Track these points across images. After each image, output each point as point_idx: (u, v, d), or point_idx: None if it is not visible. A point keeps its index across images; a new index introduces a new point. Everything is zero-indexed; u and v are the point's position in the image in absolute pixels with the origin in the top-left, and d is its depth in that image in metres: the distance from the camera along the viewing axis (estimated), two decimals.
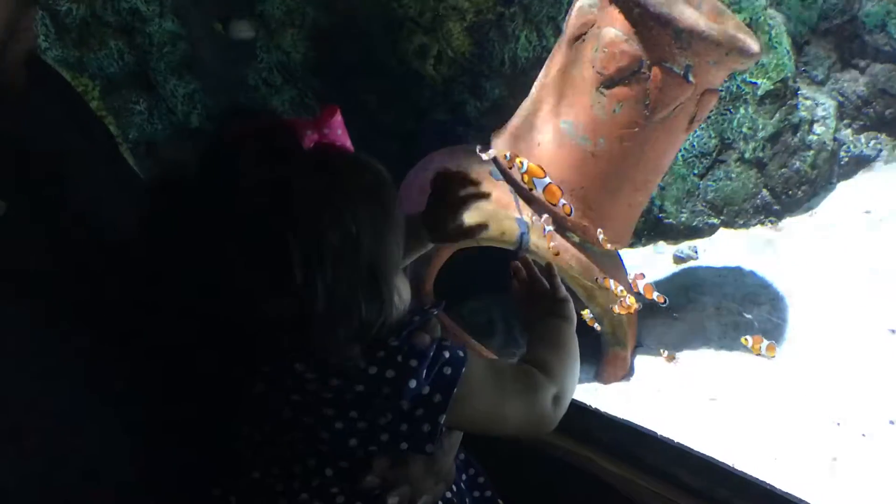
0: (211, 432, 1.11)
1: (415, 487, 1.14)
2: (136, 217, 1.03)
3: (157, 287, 1.03)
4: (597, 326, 2.85)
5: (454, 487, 1.23)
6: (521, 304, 1.38)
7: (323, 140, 1.07)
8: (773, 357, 2.61)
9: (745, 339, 2.63)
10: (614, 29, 2.66)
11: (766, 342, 2.60)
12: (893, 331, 2.79)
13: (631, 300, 2.71)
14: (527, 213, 2.90)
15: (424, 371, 1.05)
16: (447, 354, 1.08)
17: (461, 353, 1.10)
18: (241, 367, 1.05)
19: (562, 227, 2.87)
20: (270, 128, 1.03)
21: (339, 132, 1.09)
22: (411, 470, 1.13)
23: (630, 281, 2.81)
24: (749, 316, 3.02)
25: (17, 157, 1.03)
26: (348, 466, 1.08)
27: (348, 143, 1.11)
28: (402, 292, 1.12)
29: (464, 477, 1.29)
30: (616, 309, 2.75)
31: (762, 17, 3.40)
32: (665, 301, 2.63)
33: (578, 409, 1.78)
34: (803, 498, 1.41)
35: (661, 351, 2.93)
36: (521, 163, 2.66)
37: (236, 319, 1.01)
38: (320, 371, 1.03)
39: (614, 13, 2.65)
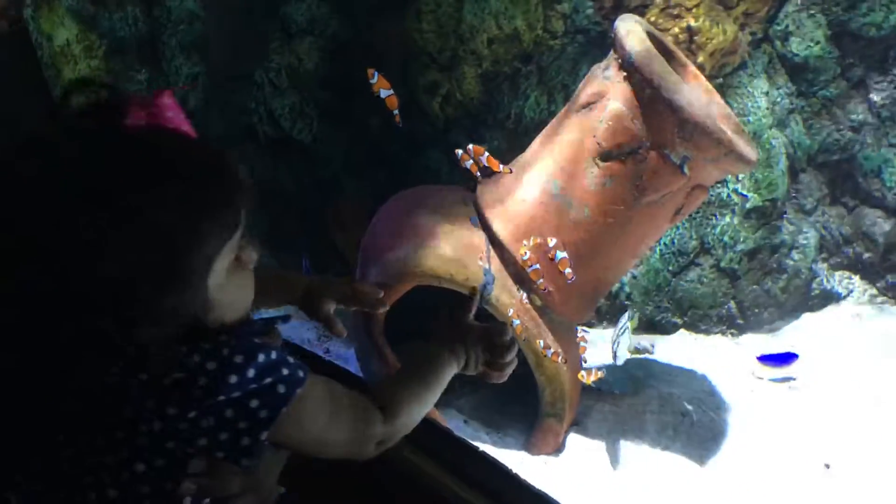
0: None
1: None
2: None
3: None
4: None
5: None
6: (446, 321, 1.42)
7: (152, 120, 1.06)
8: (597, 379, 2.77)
9: (581, 375, 2.78)
10: (622, 104, 2.67)
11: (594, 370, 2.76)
12: (828, 466, 2.76)
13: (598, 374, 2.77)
14: (495, 266, 2.87)
15: (252, 372, 1.04)
16: (285, 371, 1.08)
17: (300, 374, 1.10)
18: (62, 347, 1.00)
19: (526, 289, 2.84)
20: (98, 105, 1.03)
21: (169, 114, 1.07)
22: (228, 485, 1.10)
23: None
24: (690, 407, 2.98)
25: None
26: (164, 465, 1.04)
27: (185, 127, 1.10)
28: (232, 290, 1.10)
29: None
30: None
31: (766, 135, 3.46)
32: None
33: (500, 471, 1.74)
34: None
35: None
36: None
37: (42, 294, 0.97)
38: (141, 355, 1.00)
39: (626, 89, 2.66)
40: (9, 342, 0.98)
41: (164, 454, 1.03)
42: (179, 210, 0.99)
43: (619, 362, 2.79)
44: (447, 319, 1.42)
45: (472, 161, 2.66)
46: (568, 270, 2.63)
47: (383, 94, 2.49)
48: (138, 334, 0.98)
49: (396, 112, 2.49)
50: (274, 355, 1.07)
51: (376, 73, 2.47)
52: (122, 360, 0.99)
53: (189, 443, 1.03)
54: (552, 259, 2.66)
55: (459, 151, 2.69)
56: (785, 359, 3.22)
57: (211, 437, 1.03)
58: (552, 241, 2.66)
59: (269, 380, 1.05)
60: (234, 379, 1.02)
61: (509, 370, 1.42)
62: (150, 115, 1.03)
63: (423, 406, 1.29)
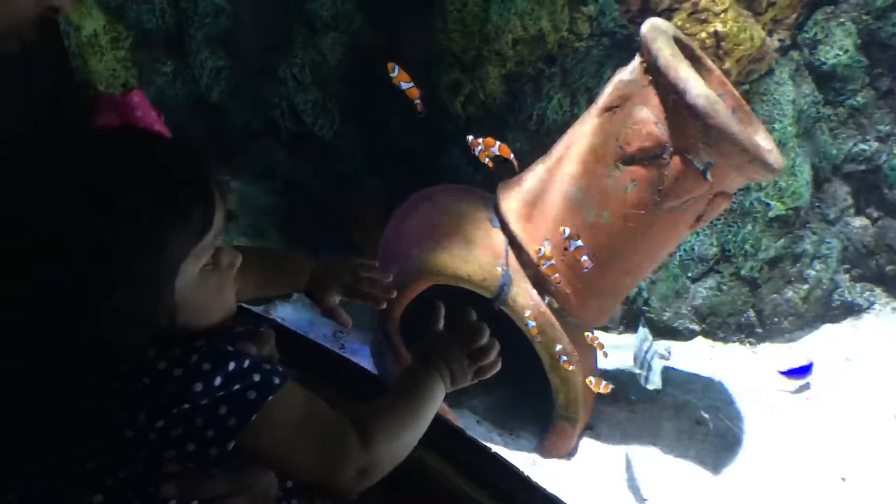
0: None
1: None
2: None
3: None
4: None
5: None
6: (438, 335, 1.34)
7: (124, 119, 1.05)
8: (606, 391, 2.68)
9: (589, 381, 2.70)
10: (647, 109, 2.65)
11: (603, 382, 2.67)
12: (845, 479, 2.73)
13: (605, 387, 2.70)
14: (513, 267, 2.86)
15: (219, 380, 1.00)
16: (257, 377, 1.03)
17: (276, 381, 1.05)
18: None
19: (544, 291, 2.83)
20: (81, 103, 1.05)
21: (138, 114, 1.07)
22: (215, 487, 1.07)
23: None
24: (706, 415, 2.96)
25: None
26: (144, 471, 1.01)
27: (157, 126, 1.09)
28: (206, 293, 1.07)
29: None
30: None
31: (791, 143, 3.42)
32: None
33: (512, 472, 1.73)
34: None
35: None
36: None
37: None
38: (111, 357, 0.98)
39: (651, 94, 2.64)
40: (18, 344, 0.98)
41: (141, 461, 1.00)
42: (145, 211, 0.98)
43: (651, 386, 2.74)
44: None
45: (481, 148, 2.63)
46: (584, 258, 2.60)
47: (404, 86, 2.47)
48: (111, 337, 0.97)
49: (418, 101, 2.47)
50: (247, 363, 1.03)
51: (397, 67, 2.46)
52: (105, 364, 0.98)
53: (162, 449, 1.00)
54: (566, 248, 2.63)
55: (470, 137, 2.67)
56: (804, 371, 3.20)
57: (179, 448, 1.00)
58: (567, 231, 2.62)
59: (237, 386, 1.01)
60: (199, 387, 0.99)
61: (495, 352, 1.32)
62: (119, 115, 1.02)
63: (408, 434, 1.19)
